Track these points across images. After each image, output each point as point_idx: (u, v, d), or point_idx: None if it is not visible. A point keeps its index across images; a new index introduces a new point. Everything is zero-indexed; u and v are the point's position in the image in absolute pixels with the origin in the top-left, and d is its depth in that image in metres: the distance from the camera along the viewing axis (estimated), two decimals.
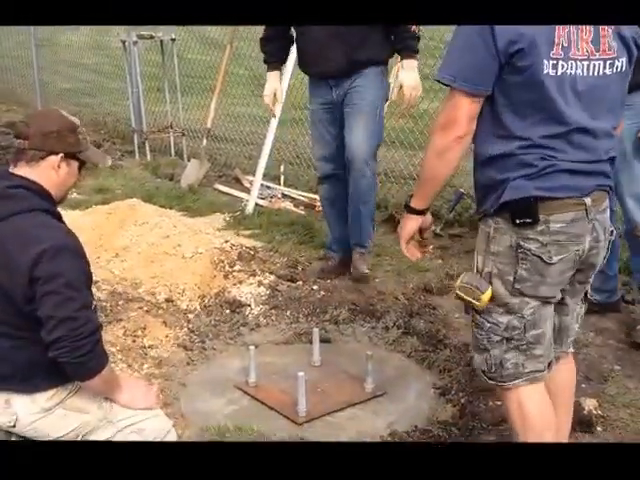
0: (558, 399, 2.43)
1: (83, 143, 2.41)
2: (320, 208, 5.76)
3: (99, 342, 2.25)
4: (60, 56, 11.78)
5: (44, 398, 2.30)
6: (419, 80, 3.98)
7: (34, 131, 2.30)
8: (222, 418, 3.01)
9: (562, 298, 2.29)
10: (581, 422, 2.82)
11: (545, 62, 2.02)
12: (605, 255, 2.28)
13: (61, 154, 2.33)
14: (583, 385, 3.16)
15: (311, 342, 3.74)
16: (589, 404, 2.88)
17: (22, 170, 2.31)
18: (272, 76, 4.27)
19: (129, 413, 2.46)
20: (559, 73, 2.04)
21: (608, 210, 2.27)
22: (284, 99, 4.39)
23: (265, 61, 4.31)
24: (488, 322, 2.21)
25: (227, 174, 7.10)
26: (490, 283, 2.17)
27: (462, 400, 3.09)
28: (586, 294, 2.40)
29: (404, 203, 2.38)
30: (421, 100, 5.13)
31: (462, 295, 2.20)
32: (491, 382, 2.30)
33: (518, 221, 2.10)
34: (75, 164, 2.40)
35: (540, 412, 2.28)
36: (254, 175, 6.86)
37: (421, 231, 2.37)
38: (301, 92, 6.24)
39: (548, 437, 2.25)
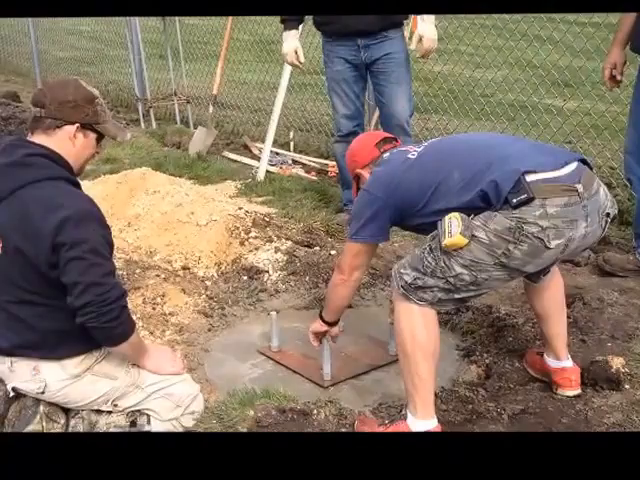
0: (552, 313, 2.77)
1: (101, 115, 2.36)
2: (333, 173, 5.75)
3: (126, 308, 2.23)
4: (57, 24, 11.58)
5: (73, 364, 2.29)
6: (436, 33, 4.10)
7: (51, 99, 2.26)
8: (247, 382, 3.00)
9: None
10: (609, 380, 2.80)
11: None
12: (601, 234, 2.45)
13: (77, 124, 2.29)
14: (609, 344, 3.13)
15: None
16: (616, 362, 2.85)
17: (39, 138, 2.27)
18: (290, 35, 4.30)
19: (157, 378, 2.45)
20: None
21: (601, 191, 2.39)
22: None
23: (282, 21, 4.32)
24: (444, 262, 2.34)
25: (235, 141, 7.02)
26: (470, 242, 2.28)
27: (487, 361, 3.07)
28: None
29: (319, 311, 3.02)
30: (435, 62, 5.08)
31: (444, 224, 2.31)
32: (401, 289, 2.42)
33: (515, 201, 2.23)
34: (92, 135, 2.36)
35: (433, 335, 2.44)
36: (263, 142, 6.82)
37: (332, 337, 3.05)
38: (309, 57, 6.15)
39: (433, 358, 2.43)
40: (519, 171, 2.26)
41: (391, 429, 2.48)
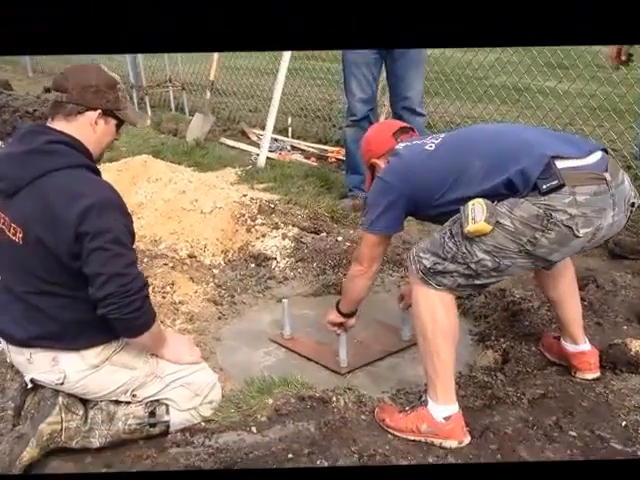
0: (565, 298, 2.74)
1: (122, 101, 2.32)
2: (334, 159, 5.71)
3: (147, 298, 2.19)
4: None
5: (92, 355, 2.25)
6: None
7: (73, 84, 2.21)
8: (261, 370, 2.96)
9: None
10: (629, 363, 2.78)
11: None
12: (625, 223, 2.41)
13: (99, 110, 2.24)
14: (625, 327, 3.12)
15: (340, 293, 3.69)
16: (635, 345, 2.82)
17: (60, 124, 2.22)
18: None
19: (176, 367, 2.42)
20: None
21: (626, 181, 2.35)
22: None
23: None
24: (465, 248, 2.28)
25: (232, 128, 6.97)
26: (494, 229, 2.22)
27: (503, 345, 3.04)
28: None
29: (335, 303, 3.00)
30: None
31: (467, 209, 2.26)
32: (419, 273, 2.38)
33: (545, 187, 2.18)
34: (113, 122, 2.32)
35: (453, 319, 2.41)
36: (260, 128, 6.78)
37: (345, 327, 3.00)
38: None
39: (453, 342, 2.41)
40: (547, 156, 2.22)
41: (412, 416, 2.45)
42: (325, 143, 6.34)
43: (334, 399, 2.60)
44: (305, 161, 5.77)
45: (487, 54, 6.48)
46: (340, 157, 5.78)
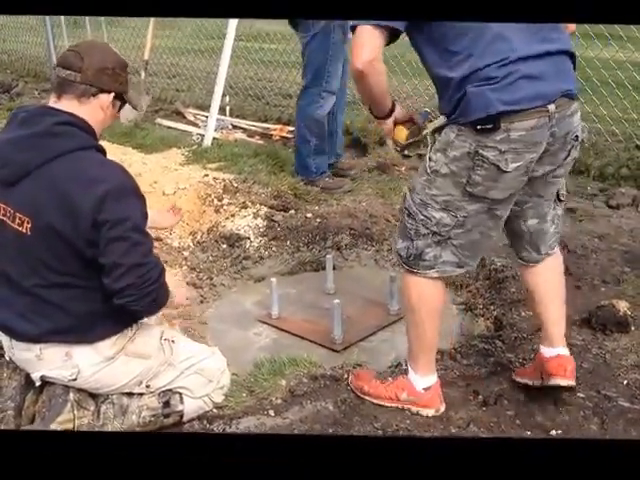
0: (547, 297, 2.52)
1: (129, 83, 2.21)
2: (278, 137, 5.64)
3: (164, 283, 2.09)
4: None
5: (107, 346, 2.14)
6: None
7: (88, 64, 2.08)
8: (257, 352, 2.89)
9: (526, 202, 2.35)
10: (618, 323, 2.86)
11: None
12: (565, 157, 2.28)
13: (112, 93, 2.11)
14: (602, 289, 3.22)
15: (316, 270, 3.66)
16: (622, 306, 2.91)
17: (69, 105, 2.08)
18: None
19: (189, 354, 2.34)
20: None
21: (576, 114, 2.25)
22: None
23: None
24: (422, 214, 2.28)
25: (164, 108, 6.77)
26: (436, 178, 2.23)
27: (494, 313, 3.08)
28: (559, 196, 2.44)
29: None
30: None
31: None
32: (405, 267, 2.37)
33: (480, 127, 2.11)
34: (118, 104, 2.22)
35: (437, 307, 2.40)
36: (195, 108, 6.62)
37: (404, 122, 2.45)
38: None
39: (438, 318, 2.40)
40: (495, 108, 2.09)
41: (392, 385, 2.46)
42: (265, 121, 6.24)
43: (345, 376, 2.56)
44: (250, 140, 5.65)
45: None
46: (285, 135, 5.70)
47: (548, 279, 2.53)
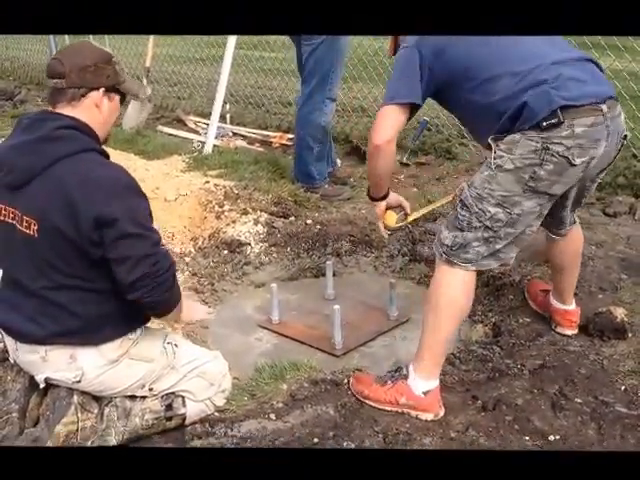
0: (569, 266, 2.89)
1: (121, 73, 2.23)
2: (278, 144, 5.68)
3: (175, 275, 2.14)
4: None
5: (111, 349, 2.17)
6: None
7: (69, 68, 2.11)
8: (258, 357, 2.92)
9: (569, 195, 2.54)
10: (616, 330, 2.89)
11: None
12: (615, 155, 2.48)
13: (102, 89, 2.14)
14: (600, 295, 3.24)
15: (316, 276, 3.69)
16: (619, 312, 2.94)
17: (65, 110, 2.12)
18: None
19: (191, 357, 2.37)
20: None
21: (622, 115, 2.43)
22: None
23: None
24: (477, 207, 2.35)
25: (165, 115, 6.83)
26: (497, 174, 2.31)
27: (492, 320, 3.11)
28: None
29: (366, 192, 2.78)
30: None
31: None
32: (444, 256, 2.42)
33: (545, 123, 2.22)
34: (116, 98, 2.24)
35: (466, 301, 2.44)
36: (196, 115, 6.67)
37: (394, 207, 2.76)
38: None
39: (458, 323, 2.48)
40: (558, 103, 2.22)
41: (392, 389, 2.47)
42: (265, 129, 6.29)
43: (345, 381, 2.59)
44: (250, 147, 5.69)
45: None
46: (284, 142, 5.75)
47: (572, 249, 2.87)
